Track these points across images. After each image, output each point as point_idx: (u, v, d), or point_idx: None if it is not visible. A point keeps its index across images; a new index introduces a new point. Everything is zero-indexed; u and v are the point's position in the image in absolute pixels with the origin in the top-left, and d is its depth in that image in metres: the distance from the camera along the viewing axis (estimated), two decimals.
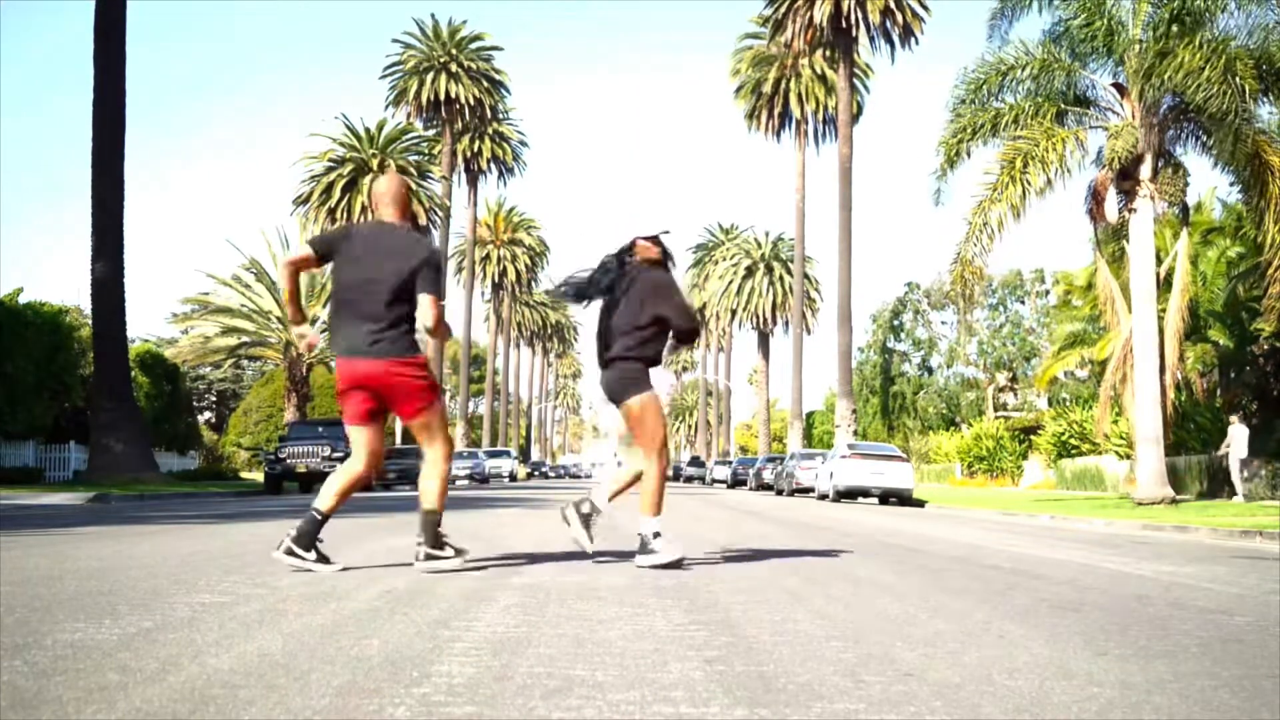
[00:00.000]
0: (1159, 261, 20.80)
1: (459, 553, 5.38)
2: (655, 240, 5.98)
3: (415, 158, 43.42)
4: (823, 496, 26.20)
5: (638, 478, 5.91)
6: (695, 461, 71.76)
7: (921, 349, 65.44)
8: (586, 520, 5.97)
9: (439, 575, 5.07)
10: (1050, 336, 39.52)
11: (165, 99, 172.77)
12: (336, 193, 40.09)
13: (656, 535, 5.80)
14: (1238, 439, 22.95)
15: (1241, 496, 21.86)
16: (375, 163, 40.94)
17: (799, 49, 43.21)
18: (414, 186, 41.50)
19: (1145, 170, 19.26)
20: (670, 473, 5.94)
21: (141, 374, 30.00)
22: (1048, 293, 58.26)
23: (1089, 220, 20.56)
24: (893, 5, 39.46)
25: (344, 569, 5.21)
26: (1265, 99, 18.94)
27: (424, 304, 5.09)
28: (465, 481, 43.29)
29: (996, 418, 55.94)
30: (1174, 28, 18.36)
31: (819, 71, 48.95)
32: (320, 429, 26.33)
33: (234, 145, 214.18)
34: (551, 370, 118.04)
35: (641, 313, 5.77)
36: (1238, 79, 17.27)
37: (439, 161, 48.25)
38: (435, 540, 5.29)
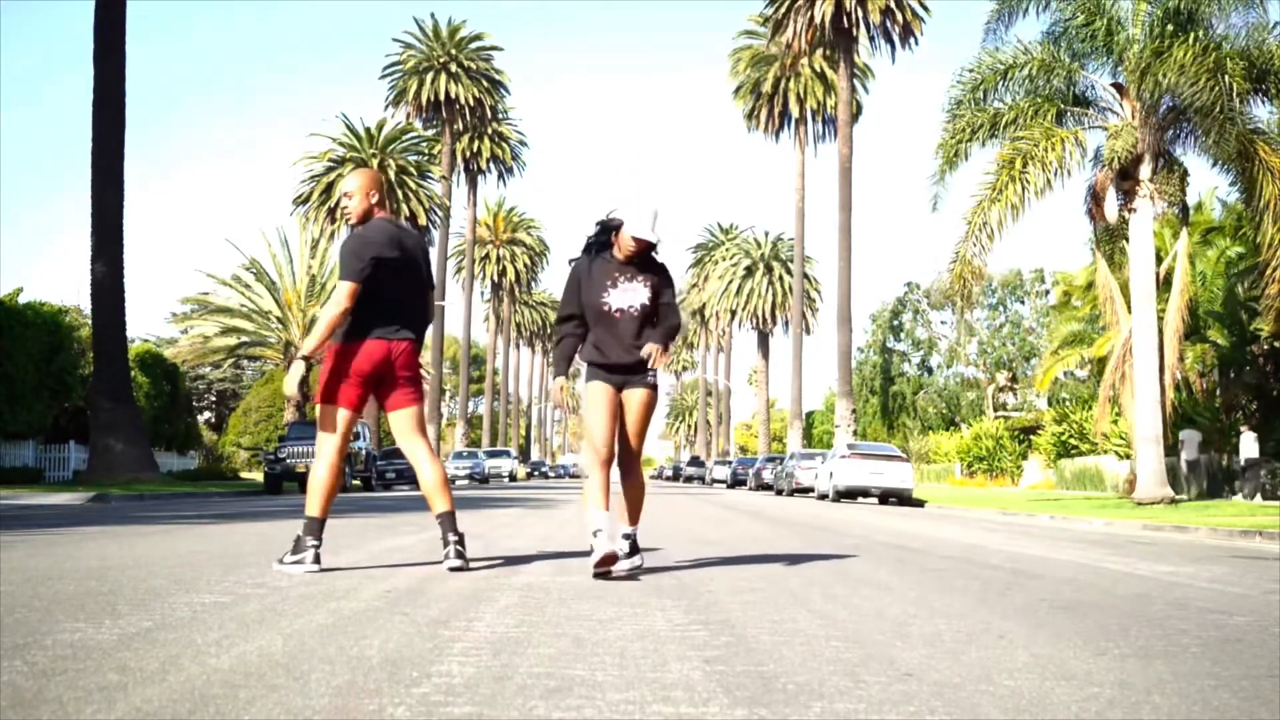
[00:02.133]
0: (1158, 261, 20.81)
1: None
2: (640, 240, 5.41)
3: (415, 158, 43.42)
4: (822, 496, 26.20)
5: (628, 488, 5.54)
6: (695, 461, 71.89)
7: (921, 349, 65.46)
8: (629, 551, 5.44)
9: (438, 575, 5.08)
10: (1050, 336, 39.56)
11: (165, 99, 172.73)
12: (336, 192, 40.08)
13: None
14: (1189, 443, 23.52)
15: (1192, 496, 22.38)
16: (375, 163, 40.97)
17: (799, 49, 43.21)
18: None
19: (1145, 170, 19.27)
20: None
21: (141, 374, 29.99)
22: (1047, 293, 58.28)
23: (1088, 220, 20.59)
24: (893, 5, 39.48)
25: (324, 570, 5.22)
26: (1264, 100, 18.95)
27: (432, 298, 5.42)
28: (465, 481, 43.29)
29: (996, 418, 55.95)
30: (1169, 27, 18.38)
31: (818, 71, 48.94)
32: None
33: (234, 145, 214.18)
34: (551, 370, 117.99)
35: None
36: (1226, 77, 17.28)
37: (438, 161, 48.26)
38: (462, 539, 5.36)
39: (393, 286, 5.23)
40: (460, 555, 5.28)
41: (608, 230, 5.40)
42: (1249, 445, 24.28)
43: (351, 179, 5.43)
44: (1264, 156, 18.37)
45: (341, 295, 5.09)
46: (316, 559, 5.14)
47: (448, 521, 5.28)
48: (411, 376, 5.31)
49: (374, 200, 5.36)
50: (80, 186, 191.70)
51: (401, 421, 5.32)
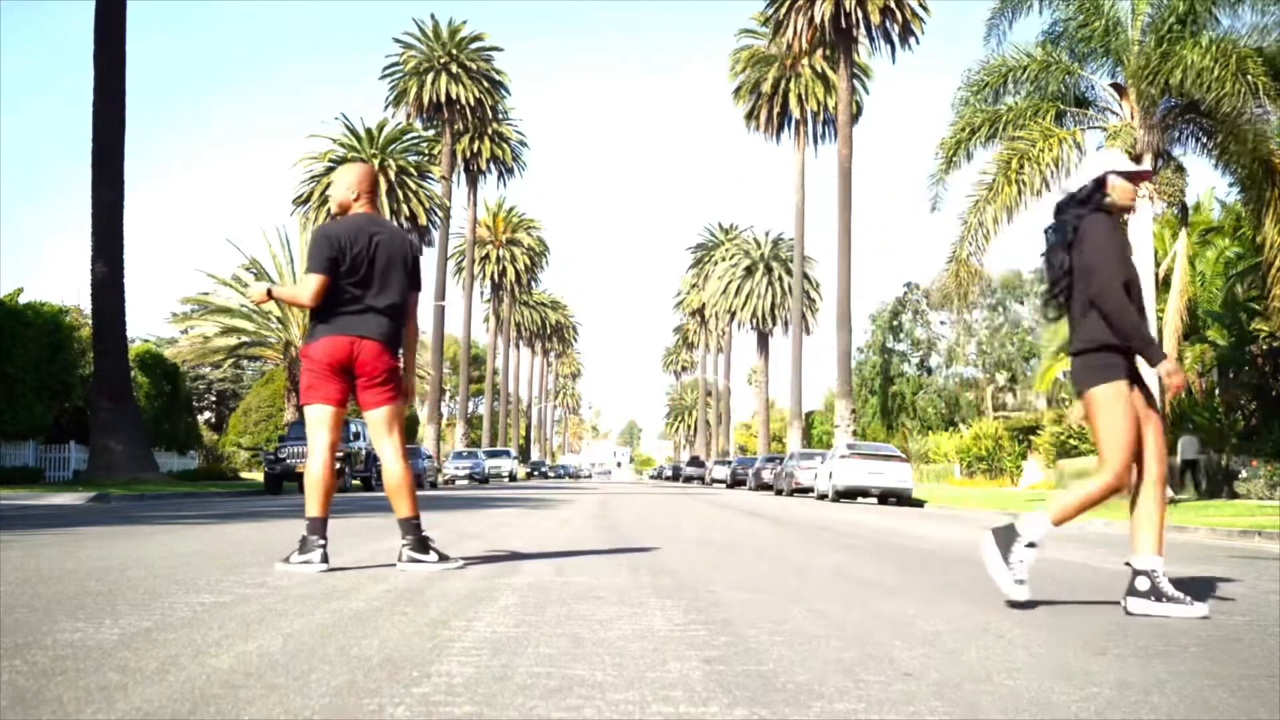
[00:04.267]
0: (1157, 262, 20.82)
1: (443, 558, 5.40)
2: (1132, 177, 4.49)
3: (415, 158, 43.42)
4: (822, 496, 26.20)
5: (1104, 495, 4.43)
6: (695, 461, 72.16)
7: (921, 349, 65.49)
8: (1005, 552, 4.30)
9: (438, 575, 5.08)
10: (1049, 336, 39.62)
11: (165, 99, 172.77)
12: None
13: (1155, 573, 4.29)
14: None
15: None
16: (375, 163, 40.94)
17: (799, 49, 43.20)
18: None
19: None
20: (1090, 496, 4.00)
21: (141, 374, 29.97)
22: None
23: None
24: (893, 5, 39.45)
25: (331, 569, 5.22)
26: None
27: (414, 301, 5.38)
28: (465, 481, 43.28)
29: (996, 418, 55.96)
30: (1177, 27, 18.33)
31: (819, 71, 48.93)
32: None
33: (234, 145, 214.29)
34: (551, 370, 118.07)
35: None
36: (1249, 77, 17.22)
37: (438, 162, 48.22)
38: (421, 544, 5.36)
39: (353, 285, 5.17)
40: (413, 560, 5.30)
41: (1099, 183, 4.45)
42: (1189, 447, 24.43)
43: (339, 171, 5.46)
44: (1272, 159, 18.38)
45: (303, 285, 5.16)
46: (324, 558, 5.15)
47: (404, 526, 5.33)
48: (383, 379, 5.23)
49: (353, 195, 5.35)
50: (80, 186, 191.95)
51: (373, 421, 5.31)
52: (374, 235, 5.23)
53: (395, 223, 39.54)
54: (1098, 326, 4.31)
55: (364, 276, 5.18)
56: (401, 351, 5.38)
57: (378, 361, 5.19)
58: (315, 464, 5.19)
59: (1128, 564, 4.38)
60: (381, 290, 5.21)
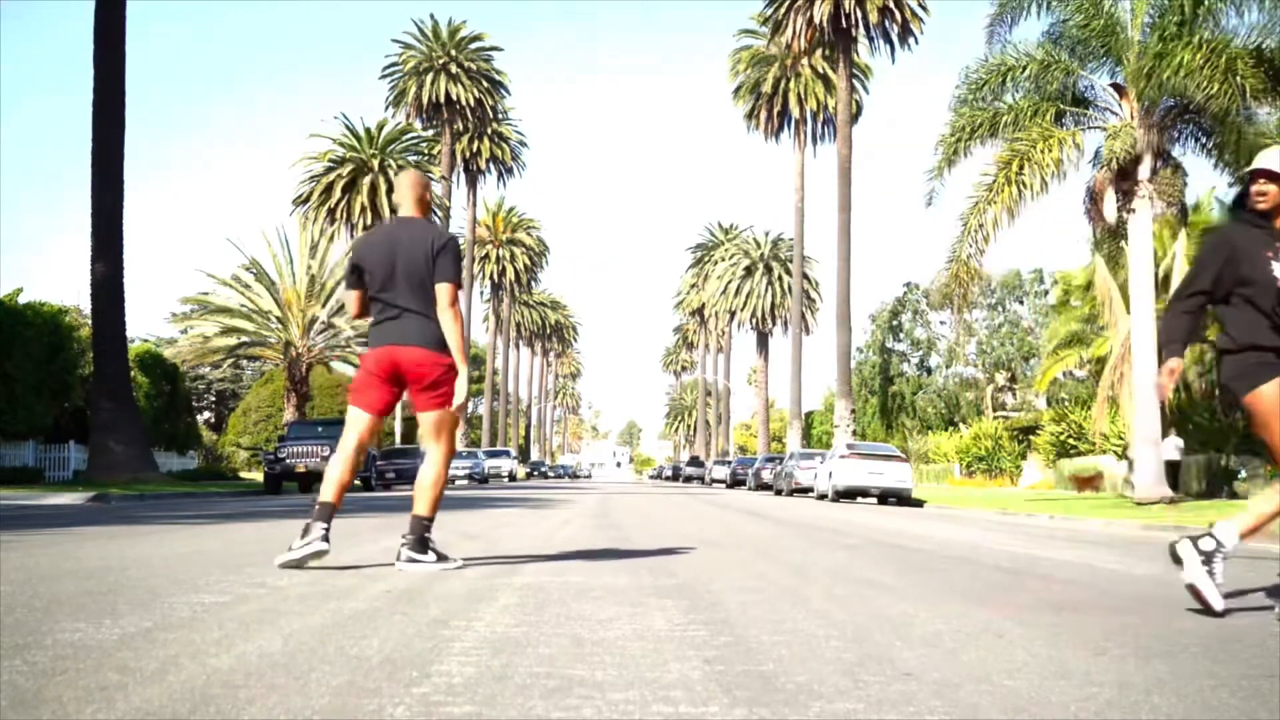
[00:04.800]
0: (1157, 262, 20.81)
1: (442, 558, 5.41)
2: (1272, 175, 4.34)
3: (414, 158, 43.40)
4: (821, 496, 26.19)
5: None
6: (695, 461, 72.25)
7: (920, 349, 65.49)
8: (1208, 560, 4.26)
9: (438, 575, 5.08)
10: (1048, 336, 39.67)
11: (165, 99, 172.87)
12: (336, 192, 40.11)
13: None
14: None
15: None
16: (375, 163, 40.95)
17: (799, 49, 43.20)
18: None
19: (1144, 170, 19.27)
20: None
21: (141, 374, 29.97)
22: (1046, 293, 58.35)
23: (1087, 221, 20.59)
24: (891, 5, 39.44)
25: (327, 567, 5.23)
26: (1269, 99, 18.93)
27: (441, 291, 5.24)
28: (464, 481, 43.27)
29: (995, 418, 55.97)
30: (1175, 28, 18.33)
31: (819, 71, 48.92)
32: (320, 429, 26.34)
33: (234, 145, 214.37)
34: (551, 370, 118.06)
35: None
36: (1238, 78, 17.22)
37: (438, 162, 48.22)
38: (421, 544, 5.37)
39: (381, 291, 5.27)
40: (411, 560, 5.32)
41: (1243, 181, 4.40)
42: (1172, 448, 24.41)
43: (412, 180, 5.56)
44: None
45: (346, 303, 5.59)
46: (325, 537, 5.17)
47: (412, 523, 5.38)
48: (433, 383, 5.26)
49: (398, 200, 5.57)
50: (80, 187, 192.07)
51: (422, 423, 5.44)
52: (399, 239, 5.30)
53: None
54: (1245, 327, 4.31)
55: (388, 281, 5.26)
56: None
57: (424, 367, 5.23)
58: (338, 462, 5.32)
59: (1210, 524, 4.35)
60: (412, 292, 5.24)
